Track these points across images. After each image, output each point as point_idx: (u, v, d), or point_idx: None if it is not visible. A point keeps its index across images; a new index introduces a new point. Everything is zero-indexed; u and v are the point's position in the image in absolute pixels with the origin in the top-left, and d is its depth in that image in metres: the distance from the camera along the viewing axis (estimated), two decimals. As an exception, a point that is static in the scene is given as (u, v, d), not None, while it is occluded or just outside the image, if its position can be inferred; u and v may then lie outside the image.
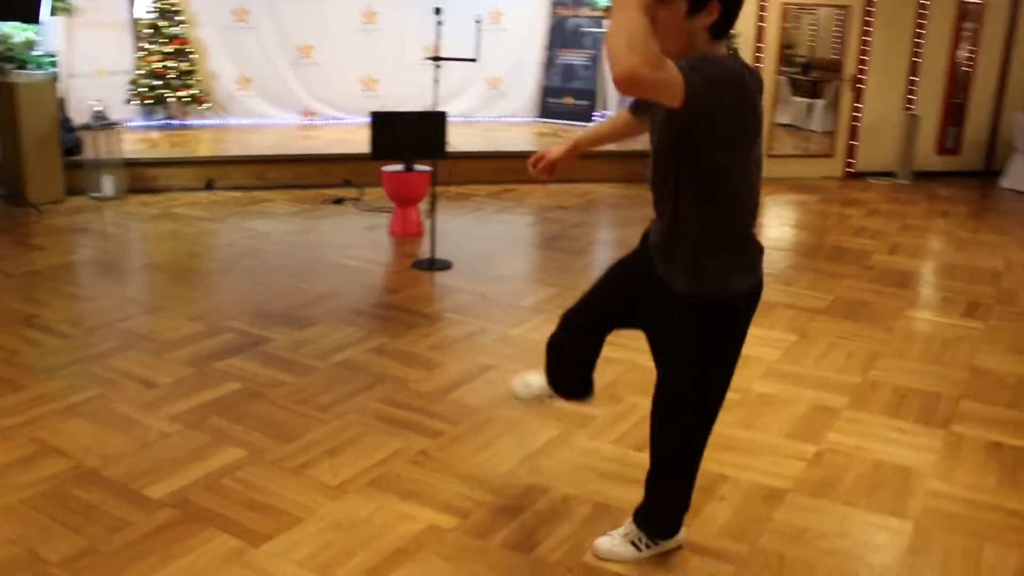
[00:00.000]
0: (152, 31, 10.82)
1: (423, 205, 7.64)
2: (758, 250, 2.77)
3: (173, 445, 3.94)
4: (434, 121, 7.13)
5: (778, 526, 3.44)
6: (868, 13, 10.32)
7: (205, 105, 11.17)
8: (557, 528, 3.39)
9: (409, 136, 7.22)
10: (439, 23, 6.35)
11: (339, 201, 8.70)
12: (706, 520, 3.47)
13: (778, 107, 11.82)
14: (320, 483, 3.66)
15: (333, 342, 5.19)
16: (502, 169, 9.84)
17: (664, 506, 3.16)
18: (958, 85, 10.88)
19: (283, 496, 3.55)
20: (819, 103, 12.32)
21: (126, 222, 7.84)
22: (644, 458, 3.82)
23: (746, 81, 2.40)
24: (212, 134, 10.77)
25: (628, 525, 3.21)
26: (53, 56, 8.82)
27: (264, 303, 5.81)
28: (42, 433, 4.00)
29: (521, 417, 4.30)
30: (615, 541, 3.19)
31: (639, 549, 3.16)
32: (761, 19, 10.00)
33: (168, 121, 11.03)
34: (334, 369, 4.82)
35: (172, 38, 10.86)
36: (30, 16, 8.10)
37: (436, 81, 6.56)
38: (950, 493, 3.74)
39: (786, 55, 11.71)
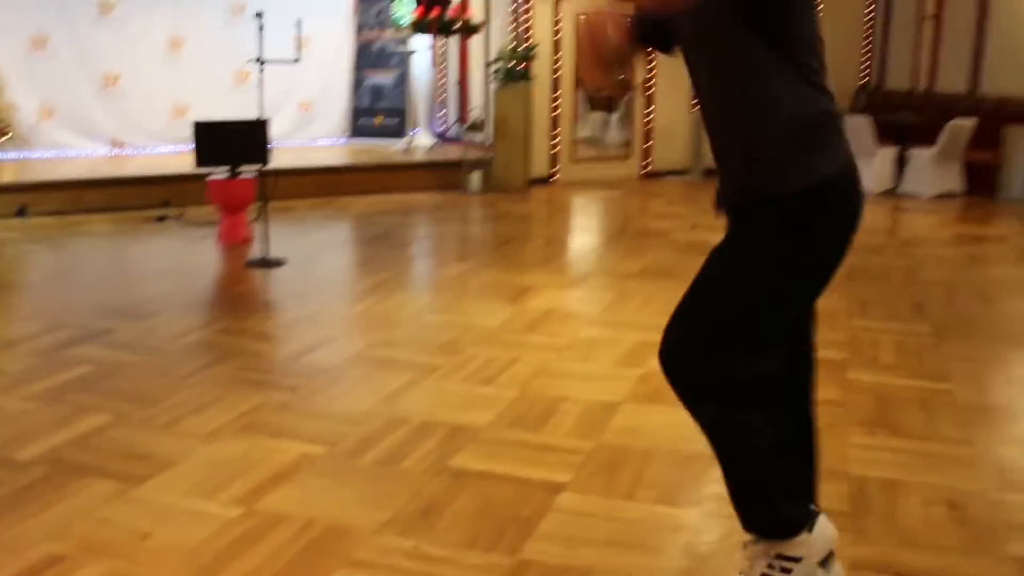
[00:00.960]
0: (-57, 62, 10.48)
1: (250, 213, 7.81)
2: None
3: (34, 418, 4.01)
4: (256, 129, 7.37)
5: (617, 427, 3.89)
6: (652, 23, 11.18)
7: (6, 137, 10.86)
8: (420, 446, 3.71)
9: (232, 144, 7.42)
10: (260, 27, 6.59)
11: (162, 219, 8.70)
12: (553, 427, 3.88)
13: (578, 123, 12.57)
14: (191, 433, 3.84)
15: (179, 328, 5.31)
16: (321, 183, 10.08)
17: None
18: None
19: (156, 446, 3.71)
20: (614, 116, 13.19)
21: (-63, 247, 7.62)
22: (489, 392, 4.24)
23: None
24: (16, 165, 10.47)
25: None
26: None
27: (100, 303, 5.84)
28: None
29: (373, 371, 4.60)
30: None
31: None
32: (556, 32, 10.67)
33: (-34, 155, 10.66)
34: (185, 348, 4.97)
35: (-35, 69, 10.54)
36: None
37: (260, 84, 6.77)
38: (757, 393, 4.29)
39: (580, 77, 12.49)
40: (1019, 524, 3.13)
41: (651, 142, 11.55)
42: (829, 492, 3.27)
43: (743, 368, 2.27)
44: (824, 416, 3.94)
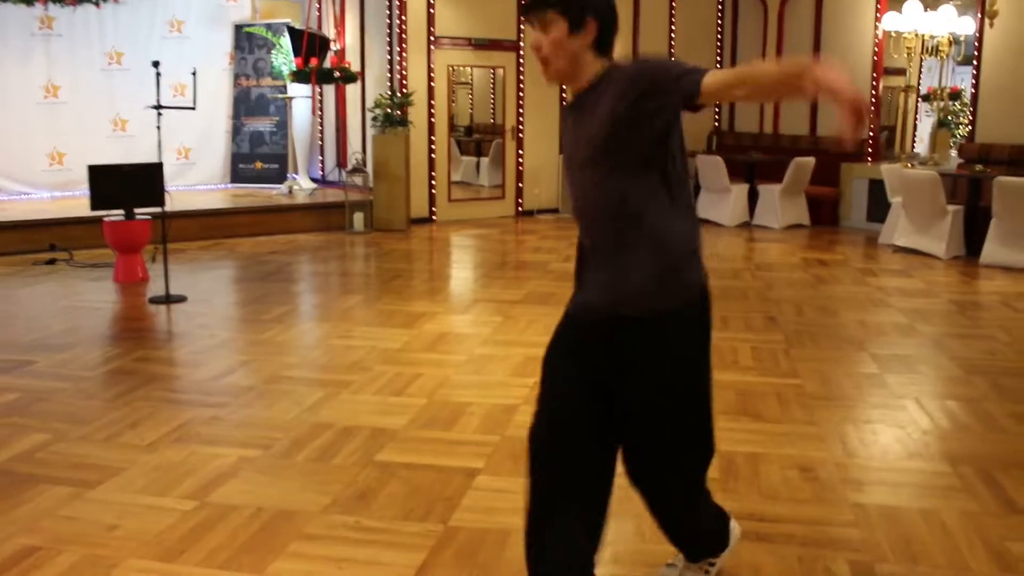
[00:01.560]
0: None
1: (144, 253, 8.07)
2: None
3: (-25, 439, 4.28)
4: (151, 172, 7.67)
5: (518, 423, 4.41)
6: (520, 72, 11.92)
7: None
8: (346, 446, 4.16)
9: (128, 186, 7.70)
10: (158, 75, 6.93)
11: (52, 262, 8.83)
12: (462, 426, 4.38)
13: (451, 166, 13.19)
14: (131, 445, 4.18)
15: (96, 359, 5.60)
16: (208, 226, 10.35)
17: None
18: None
19: (101, 457, 4.05)
20: (484, 160, 13.89)
21: None
22: (401, 401, 4.71)
23: None
24: None
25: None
26: None
27: (13, 339, 6.05)
28: None
29: (290, 388, 5.01)
30: None
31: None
32: (430, 80, 11.27)
33: None
34: (106, 375, 5.27)
35: None
36: None
37: (159, 128, 7.08)
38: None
39: (452, 123, 13.18)
40: (856, 480, 3.81)
41: (522, 183, 12.22)
42: (703, 464, 3.89)
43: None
44: (695, 407, 4.61)
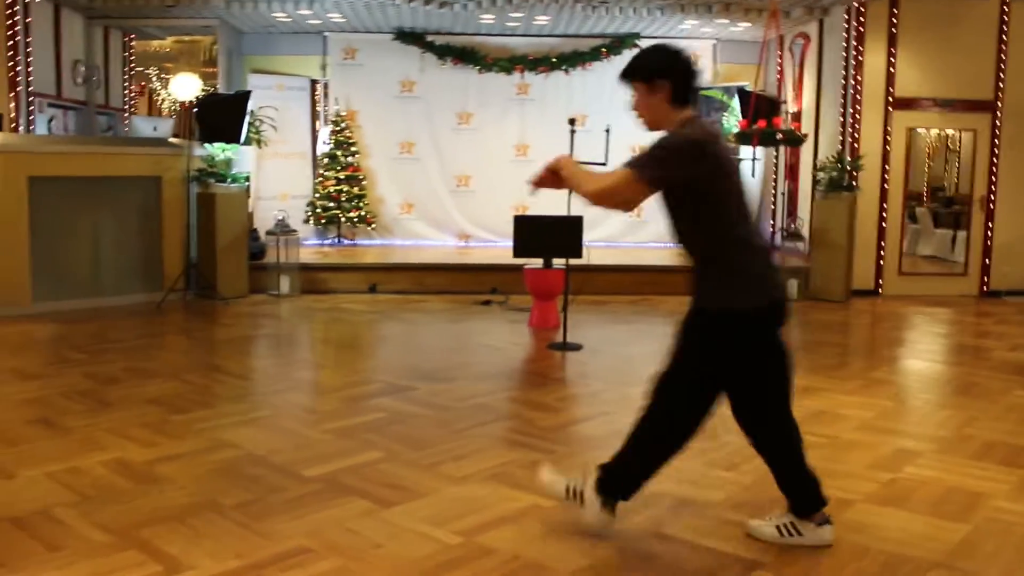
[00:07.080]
0: (329, 160, 12.27)
1: (560, 302, 8.41)
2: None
3: (327, 446, 4.71)
4: (571, 224, 7.98)
5: (844, 522, 3.85)
6: (995, 136, 10.68)
7: (372, 226, 12.45)
8: (641, 513, 3.92)
9: (548, 237, 8.08)
10: (572, 131, 7.24)
11: (487, 303, 9.55)
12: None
13: (921, 238, 12.18)
14: (446, 475, 4.33)
15: (469, 392, 5.91)
16: (640, 282, 10.51)
17: None
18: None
19: (414, 481, 4.23)
20: (961, 234, 12.59)
21: (302, 312, 8.95)
22: (730, 475, 4.38)
23: (699, 142, 3.20)
24: (376, 251, 11.94)
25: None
26: (246, 174, 10.13)
27: (413, 366, 6.62)
28: (221, 434, 4.85)
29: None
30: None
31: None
32: (886, 143, 10.50)
33: (338, 240, 12.33)
34: (468, 408, 5.53)
35: (346, 166, 12.26)
36: (233, 138, 9.51)
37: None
38: (1014, 510, 4.06)
39: (931, 189, 12.19)
40: None
41: (990, 259, 10.91)
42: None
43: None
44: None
